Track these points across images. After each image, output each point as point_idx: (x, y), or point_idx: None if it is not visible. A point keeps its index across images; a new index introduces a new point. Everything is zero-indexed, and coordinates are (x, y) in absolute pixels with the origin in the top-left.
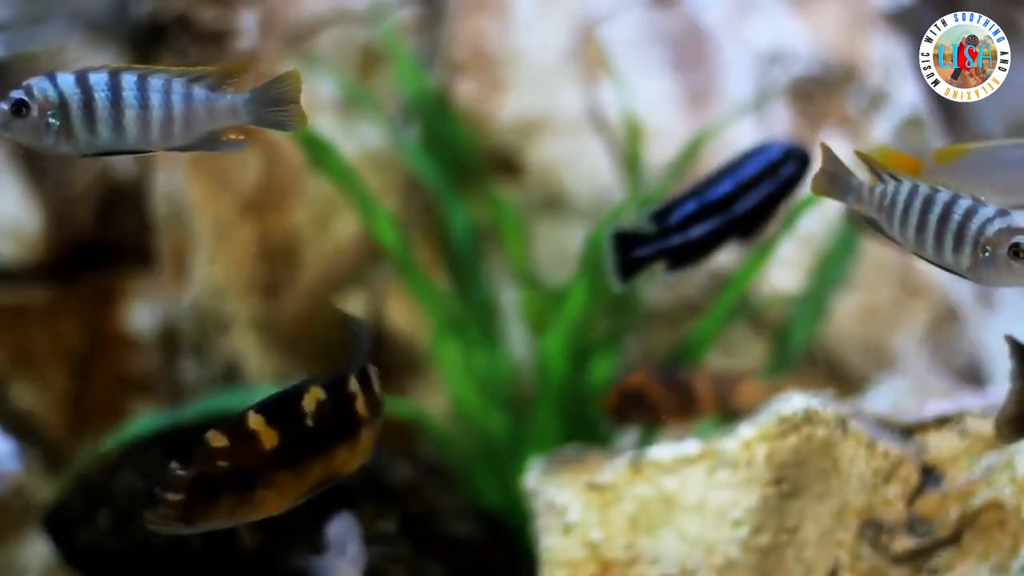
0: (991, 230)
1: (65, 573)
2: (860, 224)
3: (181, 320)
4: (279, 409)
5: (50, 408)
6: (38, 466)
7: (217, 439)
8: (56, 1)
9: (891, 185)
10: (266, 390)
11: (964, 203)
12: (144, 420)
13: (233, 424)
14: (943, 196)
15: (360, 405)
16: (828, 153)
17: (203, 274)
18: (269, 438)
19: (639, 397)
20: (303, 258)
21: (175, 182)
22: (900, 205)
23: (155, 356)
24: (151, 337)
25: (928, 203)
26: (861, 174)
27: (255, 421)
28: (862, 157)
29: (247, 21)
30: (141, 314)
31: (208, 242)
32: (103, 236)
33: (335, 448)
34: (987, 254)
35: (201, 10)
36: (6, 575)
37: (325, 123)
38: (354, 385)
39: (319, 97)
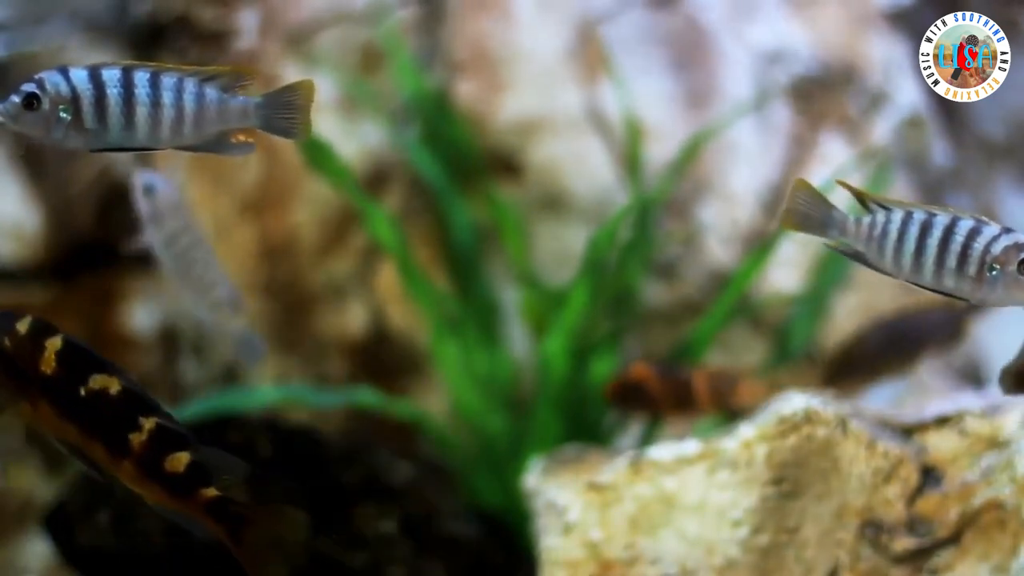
0: (998, 248)
1: (65, 573)
2: (844, 258)
3: (181, 320)
4: (81, 359)
5: None
6: (38, 466)
7: (23, 324)
8: (56, 1)
9: (881, 215)
10: (267, 391)
11: (966, 224)
12: None
13: (39, 327)
14: (942, 219)
15: (139, 441)
16: (803, 189)
17: None
18: (47, 366)
19: (639, 389)
20: (303, 258)
21: (175, 182)
22: (894, 234)
23: (155, 356)
24: (151, 337)
25: (926, 228)
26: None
27: (52, 343)
28: (848, 188)
29: (247, 21)
30: (141, 314)
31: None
32: (103, 236)
33: (93, 433)
34: (994, 272)
35: (201, 10)
36: (6, 575)
37: (325, 123)
38: (150, 424)
39: (319, 97)
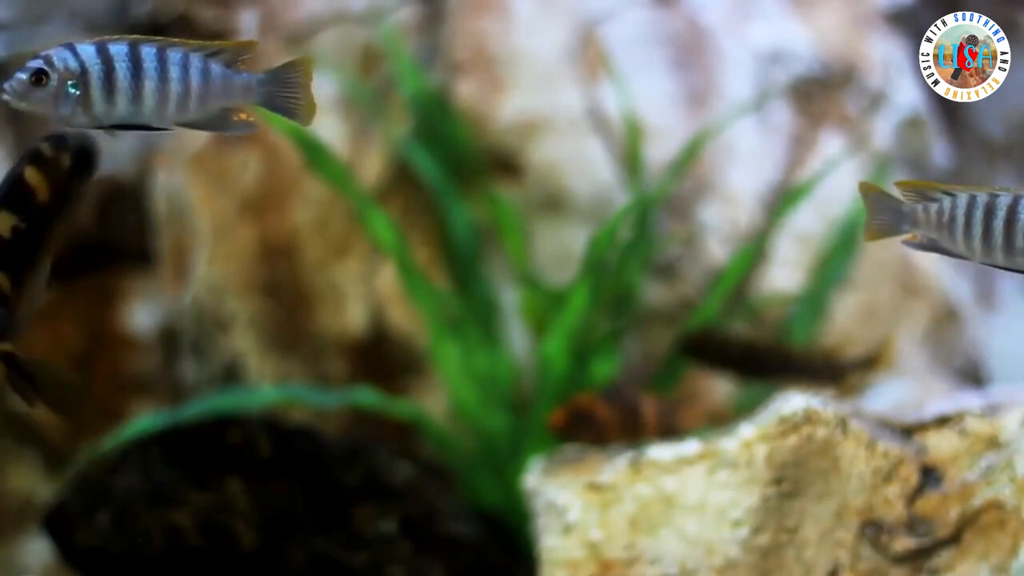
0: None
1: (65, 573)
2: (918, 250)
3: (181, 320)
4: (18, 194)
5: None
6: (38, 466)
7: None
8: (56, 1)
9: (947, 201)
10: (267, 391)
11: None
12: (144, 420)
13: (35, 156)
14: (1004, 199)
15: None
16: (874, 194)
17: (203, 274)
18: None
19: (586, 417)
20: (303, 258)
21: (175, 182)
22: (961, 218)
23: (155, 356)
24: (151, 337)
25: (990, 209)
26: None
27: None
28: (905, 185)
29: (247, 21)
30: (141, 314)
31: (208, 242)
32: (103, 236)
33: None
34: None
35: (201, 10)
36: (6, 575)
37: (325, 123)
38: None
39: (319, 97)
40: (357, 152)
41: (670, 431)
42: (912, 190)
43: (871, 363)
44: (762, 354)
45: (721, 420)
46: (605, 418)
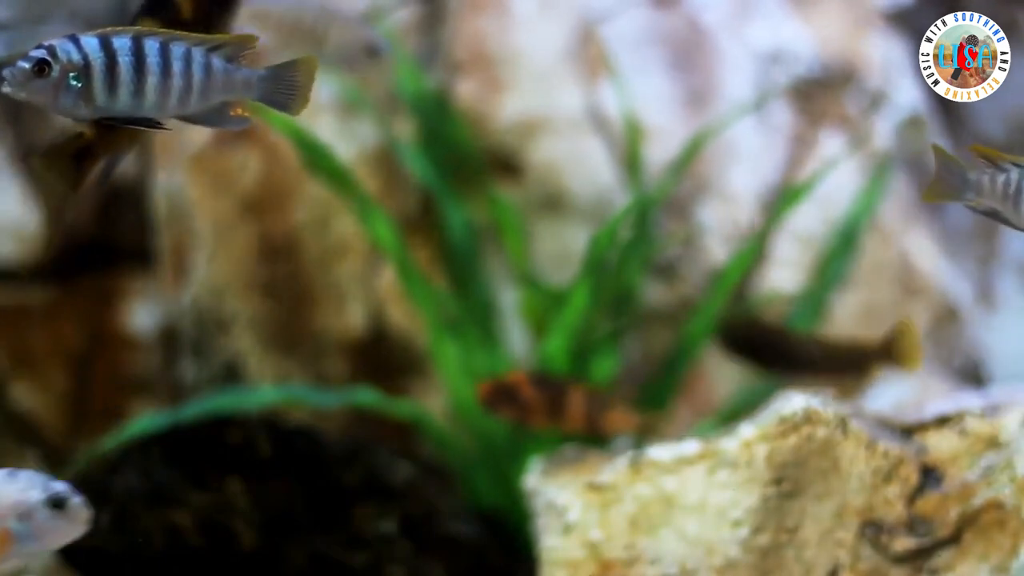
0: None
1: (65, 573)
2: (981, 216)
3: (181, 320)
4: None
5: (50, 408)
6: (38, 466)
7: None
8: (56, 1)
9: (1015, 172)
10: (267, 391)
11: None
12: (144, 420)
13: None
14: None
15: None
16: (944, 158)
17: (203, 274)
18: None
19: (511, 394)
20: (303, 258)
21: (175, 182)
22: None
23: (155, 356)
24: (151, 337)
25: None
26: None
27: None
28: (977, 151)
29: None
30: (141, 314)
31: (208, 242)
32: (103, 236)
33: None
34: None
35: None
36: (6, 575)
37: (324, 123)
38: None
39: (319, 97)
40: (356, 152)
41: (595, 427)
42: (984, 157)
43: (888, 350)
44: (797, 346)
45: (651, 430)
46: (529, 399)
